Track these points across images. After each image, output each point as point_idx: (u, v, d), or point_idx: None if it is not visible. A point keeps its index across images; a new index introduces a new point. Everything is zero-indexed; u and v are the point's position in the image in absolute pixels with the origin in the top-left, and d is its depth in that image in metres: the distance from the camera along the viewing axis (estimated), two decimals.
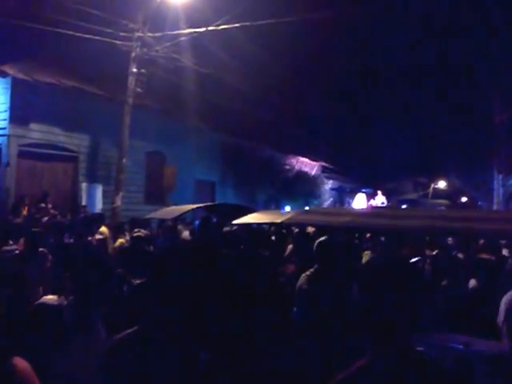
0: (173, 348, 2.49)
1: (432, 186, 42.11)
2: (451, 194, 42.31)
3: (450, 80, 29.21)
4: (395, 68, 29.47)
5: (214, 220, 10.27)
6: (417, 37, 26.01)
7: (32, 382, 2.65)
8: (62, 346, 3.17)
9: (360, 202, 25.35)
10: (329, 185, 32.49)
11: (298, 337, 5.10)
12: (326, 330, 4.93)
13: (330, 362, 3.72)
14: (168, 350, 2.48)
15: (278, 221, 7.83)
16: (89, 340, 3.49)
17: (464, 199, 42.35)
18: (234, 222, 8.18)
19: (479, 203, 38.90)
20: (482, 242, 9.20)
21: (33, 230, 8.45)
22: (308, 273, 5.55)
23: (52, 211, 13.91)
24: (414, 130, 34.23)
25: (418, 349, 3.49)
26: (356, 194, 27.39)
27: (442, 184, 42.33)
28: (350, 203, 29.70)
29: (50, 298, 4.83)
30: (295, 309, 5.60)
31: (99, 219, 12.81)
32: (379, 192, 25.29)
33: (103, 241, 10.64)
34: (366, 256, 8.26)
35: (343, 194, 31.79)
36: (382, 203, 25.15)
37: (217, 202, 12.01)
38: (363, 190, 26.64)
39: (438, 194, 42.06)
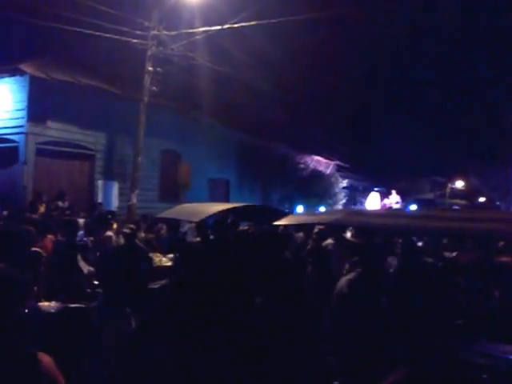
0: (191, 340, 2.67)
1: (449, 185, 41.97)
2: (469, 194, 42.15)
3: (472, 79, 29.25)
4: (416, 65, 29.51)
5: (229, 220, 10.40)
6: (443, 34, 26.05)
7: (56, 376, 2.82)
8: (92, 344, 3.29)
9: (373, 201, 25.33)
10: (342, 184, 32.41)
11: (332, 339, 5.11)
12: (366, 334, 4.89)
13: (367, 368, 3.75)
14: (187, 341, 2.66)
15: (327, 221, 7.68)
16: (120, 324, 3.74)
17: (482, 199, 42.22)
18: (276, 223, 7.90)
19: (497, 203, 38.86)
20: None
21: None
22: (350, 276, 5.57)
23: (67, 212, 14.17)
24: (432, 128, 34.22)
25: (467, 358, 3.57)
26: (369, 192, 27.33)
27: (459, 184, 42.18)
28: (362, 202, 29.61)
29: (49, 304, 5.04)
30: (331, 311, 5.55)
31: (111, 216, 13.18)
32: (393, 191, 25.22)
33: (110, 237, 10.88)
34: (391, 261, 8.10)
35: (356, 193, 31.70)
36: (397, 202, 25.15)
37: (246, 204, 11.63)
38: (376, 189, 26.51)
39: (456, 193, 41.90)
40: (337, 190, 31.95)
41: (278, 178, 27.27)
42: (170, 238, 12.29)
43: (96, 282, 7.64)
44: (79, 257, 8.28)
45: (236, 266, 5.71)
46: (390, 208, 25.09)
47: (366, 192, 29.05)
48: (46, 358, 2.78)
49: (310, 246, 9.13)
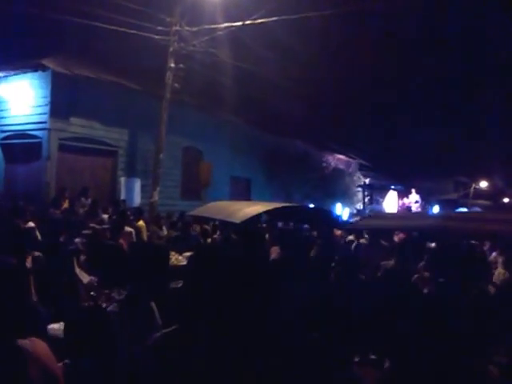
0: (218, 345, 2.69)
1: (473, 185, 41.69)
2: (493, 195, 41.79)
3: (497, 79, 29.07)
4: (442, 62, 29.37)
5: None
6: (468, 30, 25.94)
7: (48, 363, 2.71)
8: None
9: (391, 199, 25.08)
10: (359, 182, 32.23)
11: None
12: None
13: None
14: (212, 346, 2.65)
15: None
16: (143, 325, 3.74)
17: (506, 200, 41.85)
18: (359, 224, 7.81)
19: None
20: None
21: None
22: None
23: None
24: (457, 128, 34.05)
25: None
26: (386, 191, 27.04)
27: (483, 184, 41.88)
28: (379, 201, 29.34)
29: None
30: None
31: (137, 213, 13.30)
32: (413, 190, 24.96)
33: (130, 234, 10.96)
34: None
35: (373, 192, 31.46)
36: (416, 202, 24.93)
37: (290, 204, 11.35)
38: (393, 188, 26.20)
39: (480, 194, 41.58)
40: (357, 189, 31.84)
41: (299, 176, 27.26)
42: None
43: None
44: (76, 266, 7.06)
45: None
46: (409, 208, 24.90)
47: (383, 191, 28.63)
48: (34, 345, 2.69)
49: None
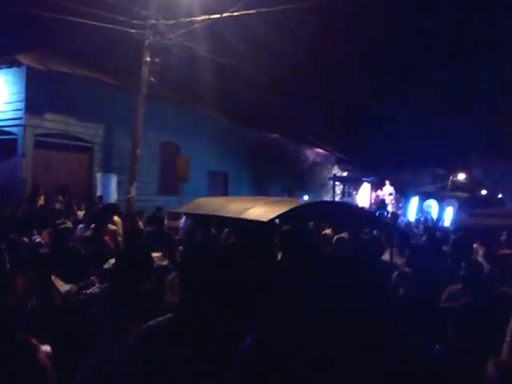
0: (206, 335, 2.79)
1: (451, 178, 42.05)
2: (471, 187, 42.19)
3: (474, 69, 29.41)
4: (418, 53, 29.62)
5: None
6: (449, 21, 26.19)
7: (47, 365, 2.95)
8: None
9: (364, 192, 24.90)
10: (329, 175, 31.92)
11: None
12: None
13: None
14: (201, 336, 2.77)
15: None
16: (116, 337, 3.79)
17: (483, 192, 42.35)
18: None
19: (499, 196, 38.98)
20: None
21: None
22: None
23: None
24: (435, 119, 34.34)
25: None
26: (359, 184, 26.84)
27: (461, 176, 42.26)
28: (352, 194, 29.05)
29: None
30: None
31: (113, 209, 13.28)
32: (387, 182, 24.84)
33: (114, 232, 10.82)
34: None
35: (346, 184, 31.19)
36: (390, 194, 24.95)
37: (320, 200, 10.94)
38: (365, 180, 25.90)
39: (457, 186, 41.94)
40: (330, 181, 31.64)
41: (277, 170, 27.40)
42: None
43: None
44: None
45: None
46: (383, 200, 24.86)
47: (356, 183, 28.15)
48: (41, 347, 2.94)
49: None
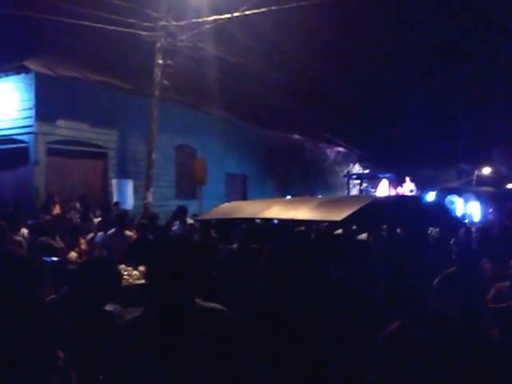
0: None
1: (476, 172, 41.60)
2: (496, 181, 41.70)
3: (494, 64, 29.01)
4: (439, 47, 29.29)
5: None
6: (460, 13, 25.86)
7: None
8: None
9: (383, 189, 24.17)
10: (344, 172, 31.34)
11: None
12: None
13: None
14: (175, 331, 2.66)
15: None
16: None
17: (510, 186, 41.78)
18: None
19: None
20: None
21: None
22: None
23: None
24: (458, 116, 34.02)
25: None
26: (377, 181, 26.15)
27: (486, 171, 41.81)
28: (369, 191, 28.37)
29: None
30: None
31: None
32: (407, 178, 24.16)
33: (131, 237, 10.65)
34: None
35: (363, 182, 30.62)
36: (411, 191, 24.33)
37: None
38: (382, 176, 25.18)
39: (483, 181, 41.47)
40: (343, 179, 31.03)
41: (297, 170, 27.21)
42: None
43: None
44: None
45: None
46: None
47: (374, 180, 27.38)
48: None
49: None
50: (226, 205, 10.18)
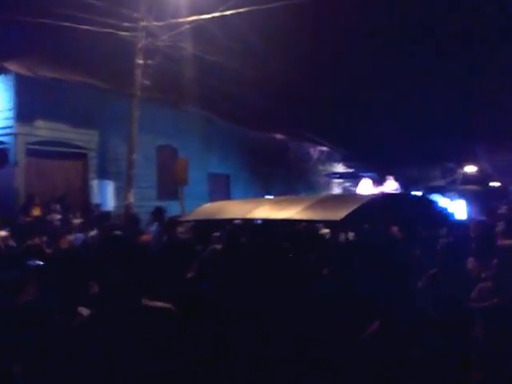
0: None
1: (461, 171, 41.74)
2: (481, 179, 41.79)
3: (475, 57, 29.11)
4: (419, 43, 29.36)
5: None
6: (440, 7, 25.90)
7: None
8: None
9: (365, 188, 24.00)
10: (325, 172, 31.28)
11: None
12: None
13: None
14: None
15: None
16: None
17: (495, 184, 41.95)
18: None
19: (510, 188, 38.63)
20: None
21: None
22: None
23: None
24: (442, 112, 34.09)
25: None
26: (360, 180, 26.03)
27: (470, 169, 41.91)
28: (350, 191, 28.25)
29: None
30: None
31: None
32: (390, 177, 23.99)
33: None
34: None
35: (345, 181, 30.59)
36: (395, 190, 24.17)
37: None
38: (364, 175, 25.07)
39: (468, 179, 41.51)
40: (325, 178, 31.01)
41: (280, 169, 27.25)
42: None
43: None
44: None
45: None
46: None
47: (357, 179, 27.22)
48: None
49: None
50: (210, 205, 9.96)
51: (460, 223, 10.58)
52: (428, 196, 21.08)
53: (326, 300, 5.41)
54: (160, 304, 2.91)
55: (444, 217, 8.11)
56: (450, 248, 6.07)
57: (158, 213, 12.05)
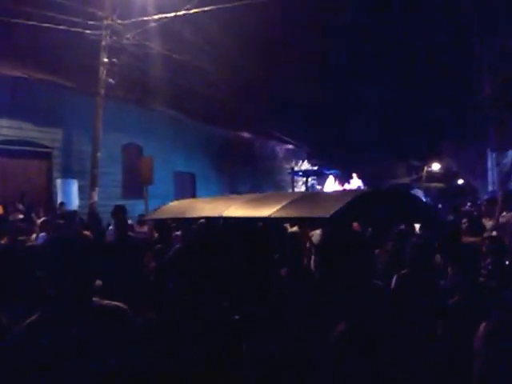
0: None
1: (425, 168, 42.08)
2: (446, 177, 42.19)
3: (437, 54, 29.40)
4: (380, 40, 29.60)
5: None
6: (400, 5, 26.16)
7: None
8: None
9: (330, 186, 24.02)
10: (288, 169, 31.17)
11: None
12: None
13: None
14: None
15: None
16: None
17: (460, 181, 42.40)
18: None
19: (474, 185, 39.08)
20: None
21: None
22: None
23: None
24: (407, 109, 34.32)
25: None
26: (324, 177, 26.00)
27: (435, 166, 42.19)
28: (316, 188, 28.26)
29: None
30: None
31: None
32: (354, 175, 24.10)
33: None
34: None
35: (308, 178, 30.48)
36: (358, 187, 24.21)
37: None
38: (328, 172, 25.08)
39: (433, 177, 41.99)
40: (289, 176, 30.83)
41: (246, 168, 27.26)
42: None
43: None
44: None
45: None
46: None
47: (321, 177, 27.14)
48: None
49: None
50: (176, 203, 9.52)
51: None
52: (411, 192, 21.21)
53: (287, 299, 5.40)
54: (112, 303, 2.94)
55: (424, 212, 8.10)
56: (420, 249, 6.11)
57: (117, 211, 11.96)
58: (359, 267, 3.47)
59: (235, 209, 6.85)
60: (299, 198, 7.01)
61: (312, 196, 8.12)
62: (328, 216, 5.61)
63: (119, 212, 11.88)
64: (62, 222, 11.24)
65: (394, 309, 4.71)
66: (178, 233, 9.38)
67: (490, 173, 27.68)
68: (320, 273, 6.21)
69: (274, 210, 6.23)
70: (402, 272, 5.84)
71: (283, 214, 6.39)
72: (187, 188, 23.83)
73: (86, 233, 10.41)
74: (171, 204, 9.41)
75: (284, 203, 6.42)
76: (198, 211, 7.81)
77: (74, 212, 14.18)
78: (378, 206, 6.59)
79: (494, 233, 8.35)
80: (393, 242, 7.56)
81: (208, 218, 8.26)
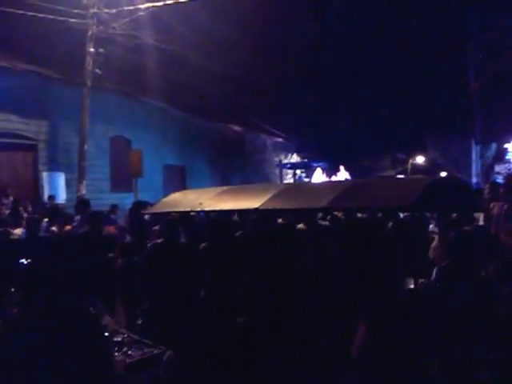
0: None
1: (410, 161, 42.07)
2: (430, 169, 42.18)
3: (423, 48, 29.27)
4: (367, 35, 29.41)
5: None
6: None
7: None
8: None
9: (318, 178, 23.77)
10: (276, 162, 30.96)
11: None
12: None
13: None
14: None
15: None
16: None
17: (443, 174, 42.29)
18: None
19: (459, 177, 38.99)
20: None
21: None
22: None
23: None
24: (389, 104, 34.18)
25: None
26: (312, 170, 25.75)
27: (420, 159, 42.25)
28: (302, 180, 28.02)
29: None
30: None
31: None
32: (341, 167, 23.91)
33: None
34: None
35: (296, 171, 30.25)
36: (346, 179, 24.01)
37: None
38: (316, 165, 24.79)
39: (417, 169, 41.97)
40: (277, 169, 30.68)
41: (236, 161, 26.82)
42: None
43: None
44: None
45: None
46: None
47: (308, 169, 26.88)
48: None
49: None
50: (178, 195, 8.89)
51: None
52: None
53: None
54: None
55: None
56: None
57: (81, 205, 11.48)
58: None
59: (269, 201, 6.14)
60: (286, 189, 6.74)
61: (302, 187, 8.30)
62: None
63: (83, 205, 11.42)
64: (37, 216, 10.65)
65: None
66: (157, 227, 8.68)
67: (473, 165, 27.75)
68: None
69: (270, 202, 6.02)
70: (443, 264, 5.21)
71: (284, 206, 6.11)
72: (177, 181, 23.21)
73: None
74: (173, 196, 8.78)
75: (282, 194, 6.21)
76: (220, 203, 6.97)
77: (56, 206, 13.67)
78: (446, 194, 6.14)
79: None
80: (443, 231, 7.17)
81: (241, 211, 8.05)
